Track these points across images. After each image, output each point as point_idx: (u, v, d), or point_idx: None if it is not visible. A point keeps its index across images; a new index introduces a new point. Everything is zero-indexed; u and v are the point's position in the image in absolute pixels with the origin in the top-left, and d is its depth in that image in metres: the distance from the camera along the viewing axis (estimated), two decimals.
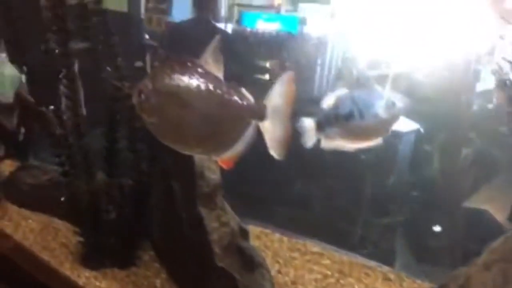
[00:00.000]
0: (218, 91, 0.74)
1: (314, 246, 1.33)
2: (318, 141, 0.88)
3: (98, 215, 1.23)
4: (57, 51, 1.18)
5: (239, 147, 0.77)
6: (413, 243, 1.85)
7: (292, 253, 1.30)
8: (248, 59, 2.95)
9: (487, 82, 2.46)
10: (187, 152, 0.85)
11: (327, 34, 2.85)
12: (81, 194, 1.21)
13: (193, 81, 0.74)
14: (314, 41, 2.88)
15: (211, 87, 0.74)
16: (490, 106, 1.84)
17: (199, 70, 0.75)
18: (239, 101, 0.75)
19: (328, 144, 0.86)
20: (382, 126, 0.81)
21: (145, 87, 0.77)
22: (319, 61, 2.84)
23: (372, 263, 1.25)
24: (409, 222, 1.77)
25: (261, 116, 0.75)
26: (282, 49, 2.96)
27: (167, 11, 3.28)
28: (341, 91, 0.86)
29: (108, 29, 1.18)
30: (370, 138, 0.83)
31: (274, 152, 0.76)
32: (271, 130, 0.76)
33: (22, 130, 1.57)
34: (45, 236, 1.31)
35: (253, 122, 0.76)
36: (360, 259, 1.28)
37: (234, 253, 1.08)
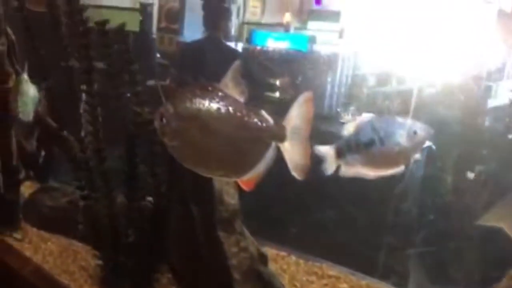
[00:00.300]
0: (238, 113, 0.77)
1: (330, 269, 1.33)
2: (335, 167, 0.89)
3: (117, 238, 1.24)
4: (80, 76, 1.22)
5: (259, 168, 0.79)
6: (427, 263, 1.83)
7: (309, 276, 1.30)
8: (259, 77, 2.98)
9: (498, 99, 2.46)
10: (208, 175, 0.87)
11: (337, 52, 2.89)
12: (101, 218, 1.23)
13: (213, 105, 0.76)
14: (324, 59, 2.92)
15: (231, 110, 0.76)
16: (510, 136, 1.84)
17: (220, 93, 0.77)
18: (259, 123, 0.77)
19: (347, 171, 0.87)
20: (403, 155, 0.82)
21: (167, 111, 0.79)
22: (329, 79, 2.87)
23: (390, 287, 1.25)
24: (425, 244, 1.76)
25: (281, 138, 0.78)
26: (292, 67, 2.99)
27: (178, 31, 3.35)
28: (362, 118, 0.87)
29: (130, 56, 1.21)
30: (391, 166, 0.83)
31: (295, 173, 0.78)
32: (291, 151, 0.78)
33: (42, 153, 1.60)
34: (64, 259, 1.32)
35: (273, 143, 0.78)
36: (377, 283, 1.27)
37: (253, 278, 1.09)
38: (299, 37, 3.08)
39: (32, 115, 1.48)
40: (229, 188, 1.14)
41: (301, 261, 1.37)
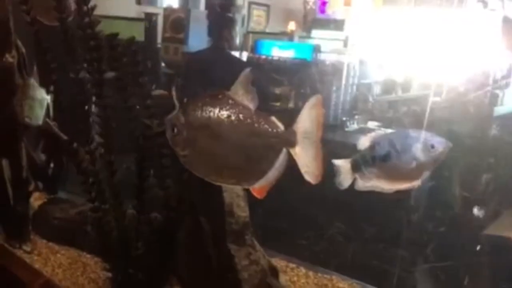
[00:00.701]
0: (248, 120, 0.77)
1: (340, 282, 1.32)
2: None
3: (127, 250, 1.24)
4: (91, 88, 1.22)
5: (271, 175, 0.78)
6: (437, 276, 1.82)
7: None
8: (264, 86, 2.98)
9: (504, 107, 2.45)
10: (220, 183, 0.86)
11: (342, 60, 2.90)
12: (110, 230, 1.23)
13: (223, 113, 0.76)
14: (328, 67, 2.92)
15: (241, 117, 0.76)
16: None
17: (230, 101, 0.77)
18: (269, 129, 0.77)
19: (363, 184, 0.86)
20: (420, 169, 0.81)
21: (178, 121, 0.79)
22: (334, 88, 2.87)
23: None
24: (435, 256, 1.75)
25: (292, 143, 0.77)
26: (298, 76, 2.99)
27: (183, 41, 3.37)
28: (377, 133, 0.87)
29: (139, 69, 1.21)
30: (408, 180, 0.82)
31: (308, 178, 0.77)
32: (303, 156, 0.77)
33: (52, 164, 1.60)
34: (74, 271, 1.32)
35: (284, 149, 0.78)
36: None
37: None
38: (304, 46, 3.09)
39: (41, 119, 1.47)
40: (240, 201, 1.14)
41: (311, 273, 1.36)
